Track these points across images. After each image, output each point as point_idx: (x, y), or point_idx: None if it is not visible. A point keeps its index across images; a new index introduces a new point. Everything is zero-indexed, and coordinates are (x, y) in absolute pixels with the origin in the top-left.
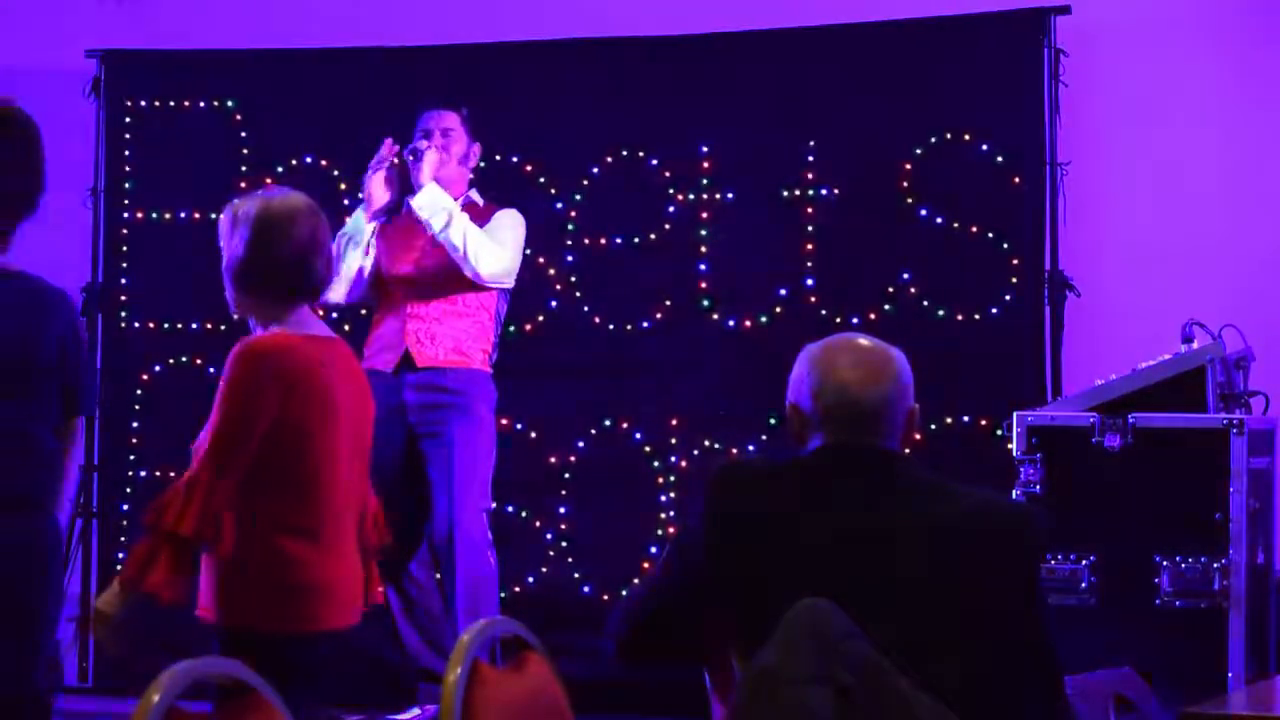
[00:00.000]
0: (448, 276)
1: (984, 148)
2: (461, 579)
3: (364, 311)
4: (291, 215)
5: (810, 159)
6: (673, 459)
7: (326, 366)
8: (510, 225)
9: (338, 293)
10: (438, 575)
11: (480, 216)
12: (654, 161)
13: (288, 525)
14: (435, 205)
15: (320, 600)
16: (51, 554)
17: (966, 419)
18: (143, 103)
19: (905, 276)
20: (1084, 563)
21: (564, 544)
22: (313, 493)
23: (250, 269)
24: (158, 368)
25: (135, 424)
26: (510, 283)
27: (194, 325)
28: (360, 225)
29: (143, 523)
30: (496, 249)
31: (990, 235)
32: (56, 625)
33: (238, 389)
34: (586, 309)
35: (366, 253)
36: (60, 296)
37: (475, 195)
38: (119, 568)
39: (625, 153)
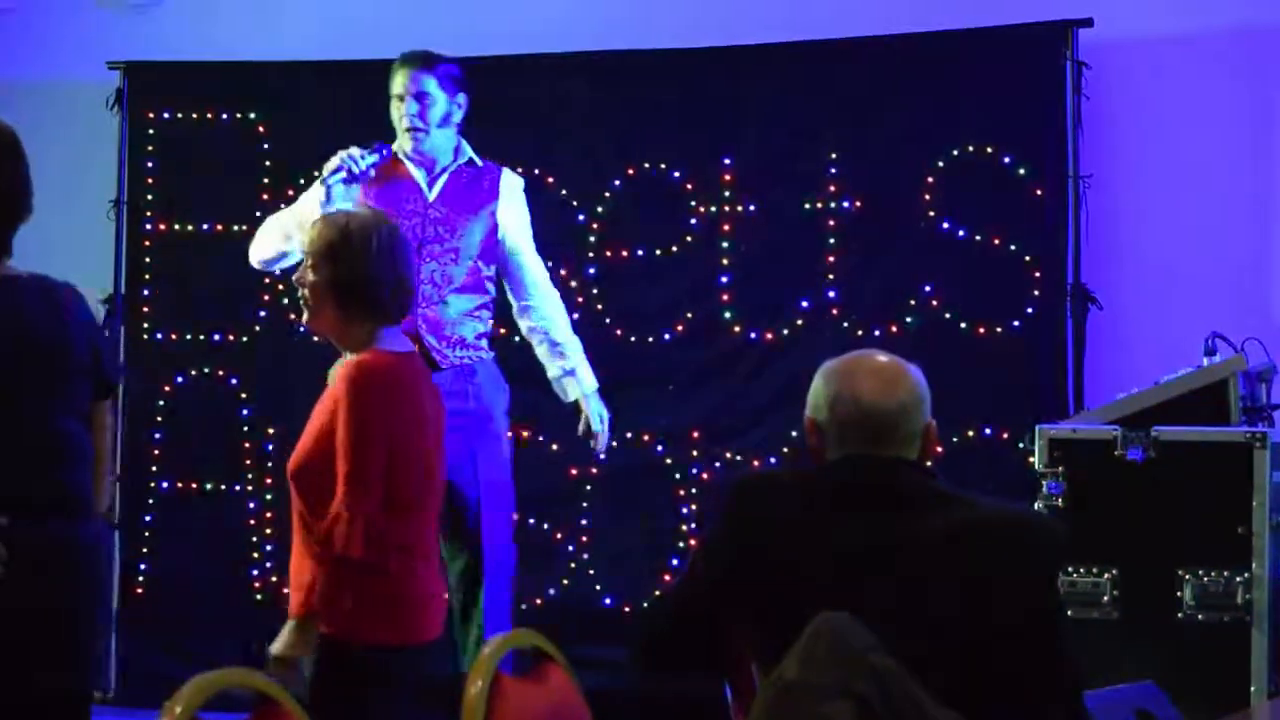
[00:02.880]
0: (451, 244)
1: (1006, 160)
2: (491, 599)
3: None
4: (401, 239)
5: (832, 171)
6: (693, 471)
7: (421, 383)
8: (530, 241)
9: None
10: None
11: (481, 180)
12: (675, 174)
13: (399, 540)
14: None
15: (422, 612)
16: (91, 556)
17: (988, 431)
18: (165, 115)
19: (927, 289)
20: (1106, 576)
21: (585, 555)
22: (418, 508)
23: (364, 294)
24: (179, 379)
25: (157, 434)
26: None
27: (216, 336)
28: (340, 196)
29: (317, 555)
30: (545, 278)
31: (1012, 248)
32: (103, 627)
33: (365, 409)
34: (608, 321)
35: None
36: (70, 289)
37: (470, 152)
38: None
39: (647, 165)
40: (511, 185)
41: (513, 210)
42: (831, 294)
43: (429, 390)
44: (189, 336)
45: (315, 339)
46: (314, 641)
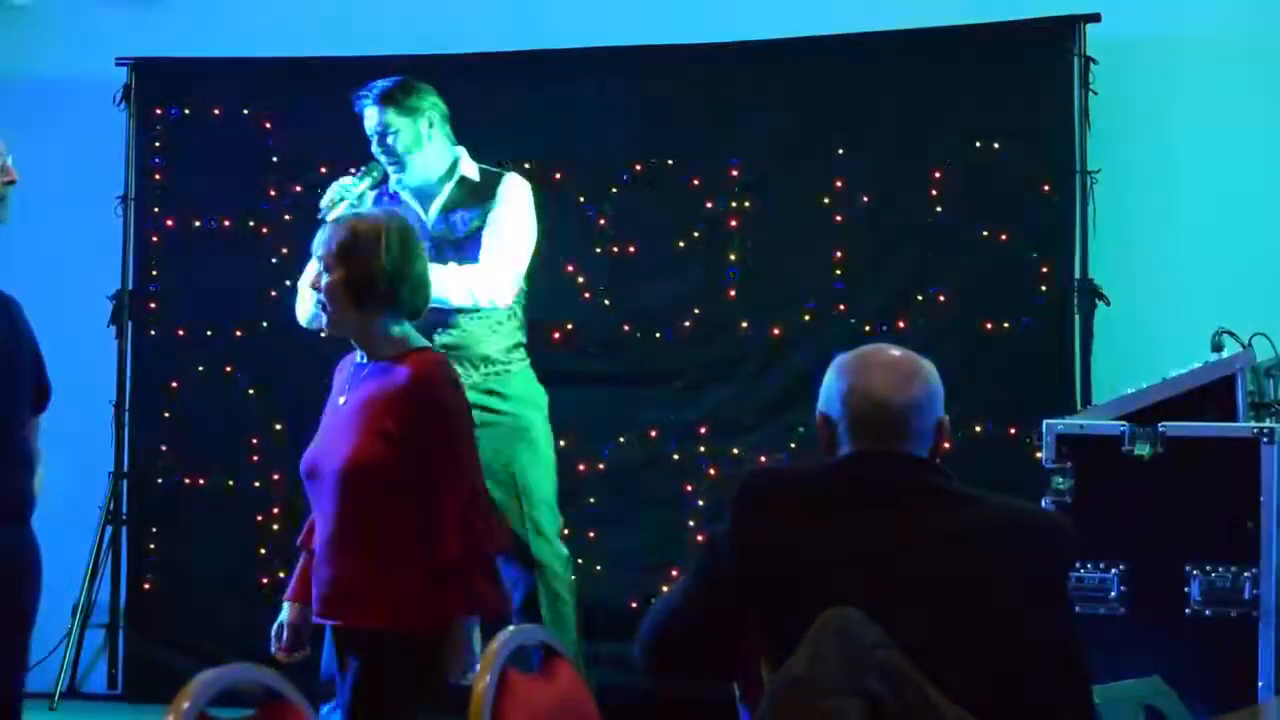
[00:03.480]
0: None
1: (1013, 156)
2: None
3: None
4: (413, 235)
5: (839, 167)
6: (701, 467)
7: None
8: (510, 228)
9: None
10: None
11: (479, 193)
12: (684, 169)
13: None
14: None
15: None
16: (37, 560)
17: (995, 427)
18: (172, 110)
19: (934, 285)
20: (1113, 572)
21: (593, 552)
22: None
23: (378, 289)
24: (186, 375)
25: (164, 431)
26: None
27: (223, 332)
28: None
29: (450, 559)
30: (494, 276)
31: (1020, 243)
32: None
33: (456, 406)
34: (616, 317)
35: None
36: (14, 300)
37: (467, 165)
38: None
39: (655, 160)
40: (511, 187)
41: (505, 207)
42: (838, 289)
43: None
44: (196, 333)
45: (322, 334)
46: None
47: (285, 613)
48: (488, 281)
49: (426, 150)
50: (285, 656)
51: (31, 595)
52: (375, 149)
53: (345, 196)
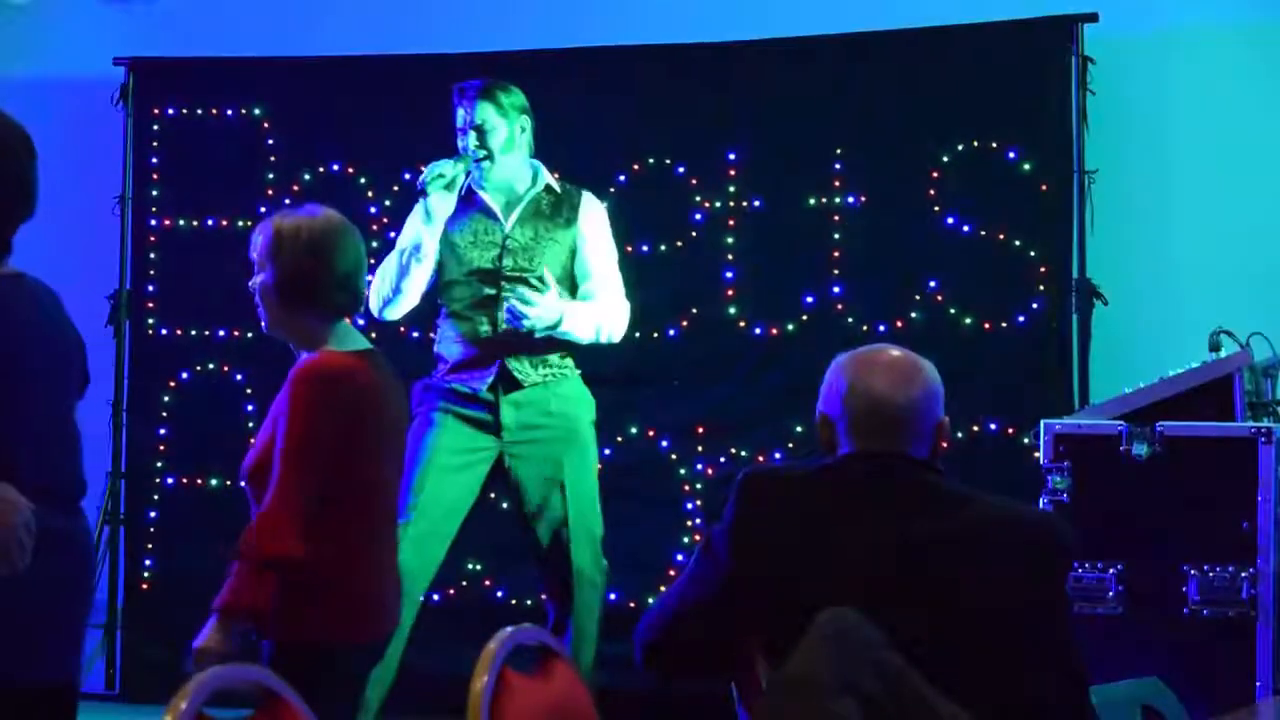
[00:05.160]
0: (531, 271)
1: (1011, 155)
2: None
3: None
4: (339, 233)
5: (837, 166)
6: (699, 466)
7: (377, 383)
8: (609, 252)
9: (400, 309)
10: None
11: (561, 206)
12: (681, 169)
13: (345, 540)
14: (548, 320)
15: (371, 611)
16: (91, 549)
17: (993, 427)
18: (170, 110)
19: (932, 284)
20: (1111, 572)
21: None
22: (367, 509)
23: (300, 287)
24: (184, 374)
25: (162, 430)
26: None
27: (220, 332)
28: (420, 238)
29: (240, 552)
30: (616, 314)
31: (1018, 243)
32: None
33: (310, 412)
34: None
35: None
36: (51, 289)
37: (548, 176)
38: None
39: (653, 160)
40: (591, 208)
41: (591, 234)
42: (836, 289)
43: (388, 387)
44: (194, 332)
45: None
46: (236, 637)
47: None
48: (612, 319)
49: (515, 153)
50: None
51: (87, 584)
52: (469, 143)
53: (442, 172)
